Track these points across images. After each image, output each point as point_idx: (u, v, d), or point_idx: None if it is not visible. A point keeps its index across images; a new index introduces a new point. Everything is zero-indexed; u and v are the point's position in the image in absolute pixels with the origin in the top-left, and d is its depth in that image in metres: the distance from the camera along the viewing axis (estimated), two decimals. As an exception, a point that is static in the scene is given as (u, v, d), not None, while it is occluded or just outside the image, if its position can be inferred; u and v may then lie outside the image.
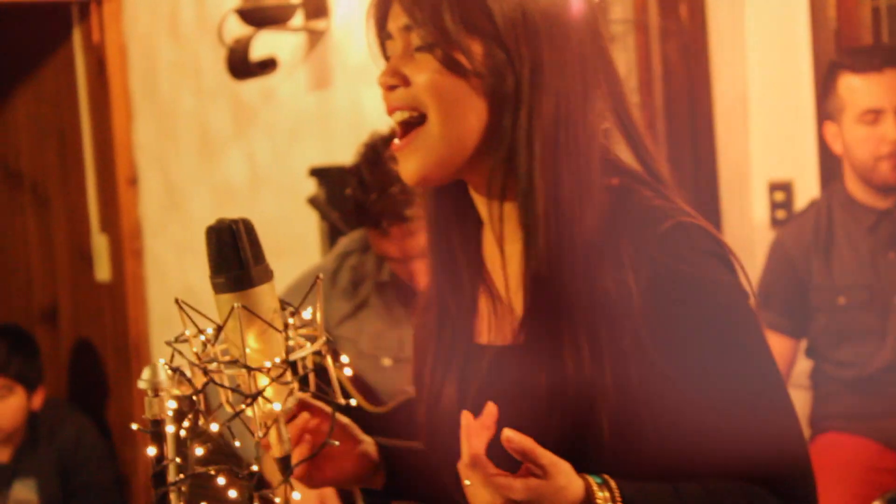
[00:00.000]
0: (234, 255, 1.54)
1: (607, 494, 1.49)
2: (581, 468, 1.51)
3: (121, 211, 4.74)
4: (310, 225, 4.11)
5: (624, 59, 4.14)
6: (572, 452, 1.52)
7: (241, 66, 4.04)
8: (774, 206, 3.81)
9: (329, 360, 1.60)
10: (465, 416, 1.49)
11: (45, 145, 5.17)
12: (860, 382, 3.35)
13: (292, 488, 1.58)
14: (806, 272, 3.38)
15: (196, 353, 1.55)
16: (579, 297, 1.56)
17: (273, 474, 1.62)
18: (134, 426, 1.56)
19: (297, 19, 4.08)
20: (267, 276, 1.56)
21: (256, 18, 4.01)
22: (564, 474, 1.48)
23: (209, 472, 1.55)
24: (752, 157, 3.81)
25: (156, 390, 1.55)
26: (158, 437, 1.54)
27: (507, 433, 1.48)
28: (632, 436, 1.55)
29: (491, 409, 1.50)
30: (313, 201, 3.32)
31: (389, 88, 1.63)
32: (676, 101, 4.00)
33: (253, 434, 1.57)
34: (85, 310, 5.06)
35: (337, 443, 1.73)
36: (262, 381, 1.54)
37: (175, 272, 4.64)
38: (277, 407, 1.56)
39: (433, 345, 1.73)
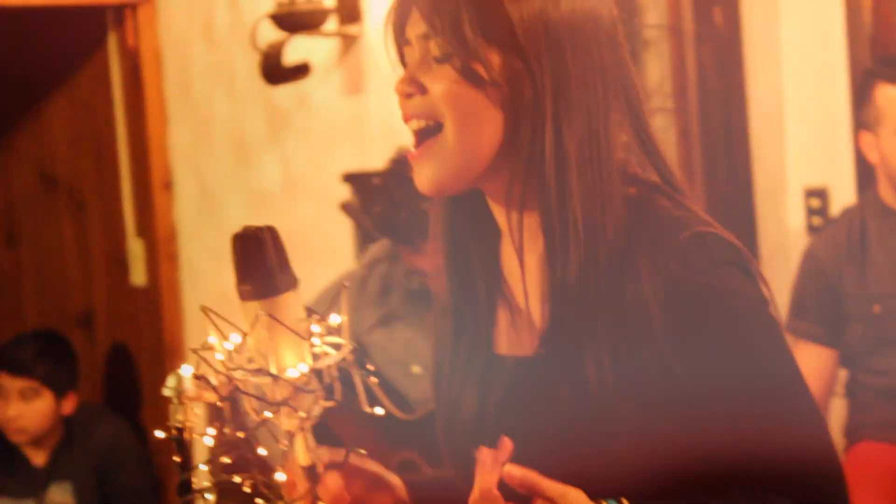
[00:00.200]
0: (260, 262, 1.54)
1: None
2: (600, 484, 1.50)
3: (156, 215, 4.76)
4: (344, 230, 4.11)
5: (658, 65, 4.13)
6: (591, 467, 1.52)
7: (275, 70, 4.05)
8: (810, 212, 3.79)
9: (355, 368, 1.59)
10: (481, 452, 1.48)
11: (81, 150, 5.20)
12: (896, 391, 3.33)
13: (318, 497, 1.58)
14: (839, 281, 3.35)
15: (221, 361, 1.55)
16: (601, 310, 1.55)
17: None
18: (159, 433, 1.56)
19: (331, 24, 4.09)
20: (292, 283, 1.55)
21: (290, 23, 4.02)
22: (571, 494, 1.45)
23: (234, 479, 1.55)
24: (788, 163, 3.79)
25: (180, 398, 1.55)
26: (183, 445, 1.54)
27: (508, 469, 1.46)
28: (653, 450, 1.53)
29: (507, 444, 1.47)
30: (346, 207, 3.32)
31: (406, 96, 1.62)
32: (711, 107, 3.99)
33: (278, 442, 1.56)
34: (120, 314, 5.08)
35: (364, 451, 1.73)
36: (288, 389, 1.54)
37: (210, 277, 4.65)
38: (303, 415, 1.56)
39: (449, 354, 1.73)
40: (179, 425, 1.55)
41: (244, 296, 1.54)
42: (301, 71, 4.11)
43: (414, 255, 2.78)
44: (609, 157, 1.58)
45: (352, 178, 3.86)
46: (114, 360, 5.15)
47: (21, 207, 5.54)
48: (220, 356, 1.55)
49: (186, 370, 1.55)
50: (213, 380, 1.54)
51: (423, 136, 1.62)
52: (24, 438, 4.37)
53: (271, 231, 1.56)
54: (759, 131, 3.86)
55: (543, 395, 1.59)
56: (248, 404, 1.55)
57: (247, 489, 1.55)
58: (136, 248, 4.90)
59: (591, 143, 1.57)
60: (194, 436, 1.54)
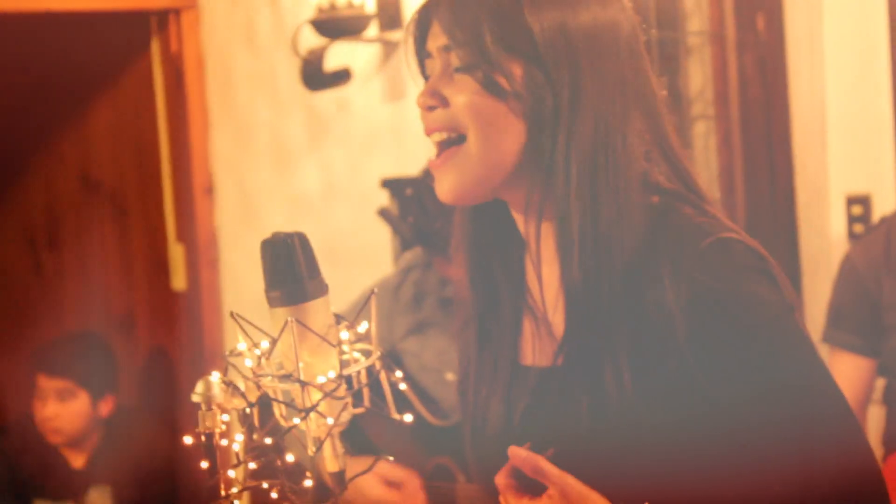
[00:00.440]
0: (289, 269, 1.54)
1: None
2: (623, 494, 1.49)
3: (197, 220, 4.76)
4: (382, 236, 4.12)
5: (700, 72, 4.12)
6: (615, 478, 1.51)
7: (316, 76, 4.05)
8: (852, 219, 3.77)
9: (383, 374, 1.59)
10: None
11: (123, 155, 5.22)
12: (935, 400, 3.30)
13: (346, 503, 1.58)
14: (877, 291, 3.32)
15: (250, 367, 1.56)
16: (620, 319, 1.55)
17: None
18: (187, 439, 1.56)
19: (372, 30, 4.09)
20: (322, 290, 1.56)
21: (331, 29, 4.03)
22: (574, 488, 1.49)
23: (262, 485, 1.55)
24: (830, 170, 3.77)
25: (209, 404, 1.55)
26: (211, 451, 1.55)
27: (512, 449, 1.49)
28: (678, 460, 1.53)
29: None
30: (383, 213, 3.33)
31: (428, 109, 1.62)
32: (753, 114, 3.97)
33: (306, 449, 1.57)
34: (161, 318, 5.10)
35: (391, 458, 1.73)
36: (316, 395, 1.54)
37: (250, 282, 4.66)
38: (331, 422, 1.56)
39: (474, 364, 1.72)
40: (208, 431, 1.55)
41: (273, 302, 1.55)
42: (342, 77, 4.11)
43: (448, 266, 2.78)
44: (627, 166, 1.58)
45: (390, 185, 3.86)
46: (153, 363, 5.17)
47: (63, 211, 5.58)
48: (249, 362, 1.56)
49: (215, 376, 1.56)
50: (242, 386, 1.55)
51: (445, 147, 1.62)
52: (60, 439, 4.39)
53: (301, 237, 1.57)
54: (801, 138, 3.85)
55: (565, 405, 1.58)
56: (276, 410, 1.56)
57: (274, 495, 1.55)
58: (176, 253, 4.92)
59: (608, 152, 1.57)
60: (222, 441, 1.54)
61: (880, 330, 3.33)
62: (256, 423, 1.55)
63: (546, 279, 1.63)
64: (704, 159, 4.10)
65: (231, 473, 1.55)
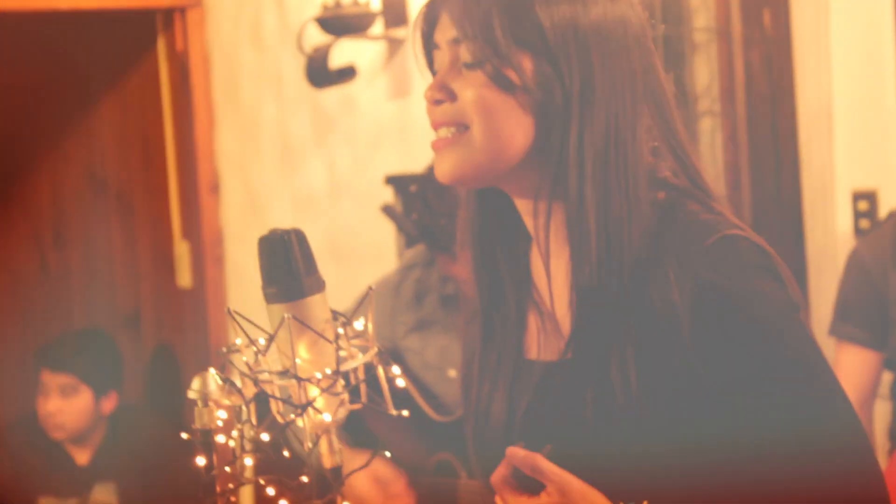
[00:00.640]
0: (286, 265, 1.54)
1: None
2: (628, 491, 1.49)
3: (202, 218, 4.77)
4: (388, 233, 4.11)
5: (706, 68, 4.11)
6: (618, 473, 1.51)
7: (321, 73, 4.05)
8: (858, 215, 3.76)
9: (381, 370, 1.59)
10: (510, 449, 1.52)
11: (129, 153, 5.23)
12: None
13: (343, 499, 1.58)
14: (883, 285, 3.31)
15: (247, 364, 1.55)
16: (626, 314, 1.54)
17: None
18: (184, 435, 1.56)
19: (377, 27, 4.08)
20: (319, 286, 1.55)
21: (336, 27, 4.02)
22: (573, 486, 1.50)
23: (259, 482, 1.55)
24: (836, 165, 3.76)
25: (206, 400, 1.55)
26: (208, 447, 1.54)
27: (511, 449, 1.48)
28: (682, 456, 1.52)
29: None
30: (387, 210, 3.32)
31: (435, 103, 1.61)
32: (759, 110, 3.97)
33: (303, 445, 1.56)
34: (166, 316, 5.11)
35: (388, 453, 1.73)
36: (313, 391, 1.54)
37: (255, 279, 4.63)
38: (328, 418, 1.55)
39: (478, 359, 1.72)
40: (204, 427, 1.55)
41: (270, 299, 1.55)
42: (347, 74, 4.11)
43: (451, 263, 2.77)
44: (636, 162, 1.57)
45: (394, 181, 3.86)
46: (159, 360, 5.18)
47: (70, 209, 5.59)
48: (245, 359, 1.55)
49: (212, 372, 1.55)
50: (239, 382, 1.54)
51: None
52: (63, 435, 4.40)
53: (298, 234, 1.56)
54: (807, 134, 3.84)
55: (570, 400, 1.58)
56: (273, 407, 1.55)
57: (272, 491, 1.55)
58: (182, 251, 4.92)
59: (617, 148, 1.56)
60: (219, 438, 1.54)
61: (887, 324, 3.33)
62: (254, 419, 1.55)
63: (553, 274, 1.62)
64: (710, 155, 4.09)
65: (228, 469, 1.54)
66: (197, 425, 1.55)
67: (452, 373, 2.89)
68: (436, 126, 1.63)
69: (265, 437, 1.53)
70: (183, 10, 4.75)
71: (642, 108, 1.59)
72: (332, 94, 4.32)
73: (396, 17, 4.07)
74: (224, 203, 4.83)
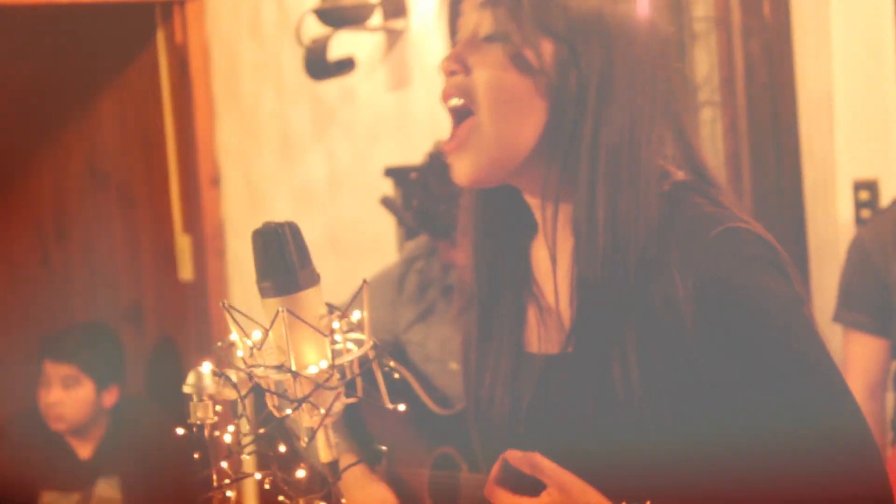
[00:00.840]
0: (280, 259, 1.53)
1: None
2: (630, 488, 1.49)
3: (203, 211, 4.77)
4: (388, 225, 4.11)
5: (706, 58, 4.10)
6: (620, 469, 1.51)
7: (319, 65, 4.04)
8: (859, 205, 3.75)
9: (376, 364, 1.58)
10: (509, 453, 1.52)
11: (129, 146, 5.23)
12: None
13: (340, 494, 1.57)
14: (885, 271, 3.31)
15: (242, 358, 1.55)
16: (630, 308, 1.53)
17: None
18: (179, 430, 1.56)
19: (376, 19, 4.08)
20: (313, 280, 1.55)
21: (334, 18, 4.01)
22: (573, 485, 1.49)
23: (255, 476, 1.54)
24: (837, 155, 3.75)
25: (200, 395, 1.54)
26: (203, 442, 1.54)
27: (509, 452, 1.49)
28: (683, 452, 1.51)
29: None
30: (386, 202, 3.31)
31: (450, 73, 1.59)
32: (759, 100, 3.95)
33: (298, 439, 1.56)
34: (168, 309, 5.10)
35: (385, 448, 1.72)
36: (308, 386, 1.53)
37: (256, 272, 4.65)
38: (324, 412, 1.55)
39: (476, 351, 1.71)
40: (199, 422, 1.54)
41: (265, 293, 1.54)
42: (346, 66, 4.10)
43: (452, 250, 2.76)
44: (649, 157, 1.56)
45: (393, 173, 3.85)
46: (161, 353, 5.18)
47: (71, 203, 5.59)
48: (241, 353, 1.55)
49: (206, 367, 1.55)
50: (234, 377, 1.54)
51: (459, 115, 1.60)
52: (64, 427, 4.40)
53: (292, 227, 1.55)
54: (807, 124, 3.83)
55: (572, 393, 1.57)
56: (268, 401, 1.55)
57: (267, 486, 1.54)
58: (183, 244, 4.92)
59: (632, 140, 1.55)
60: (214, 432, 1.54)
61: (891, 310, 3.32)
62: (250, 413, 1.54)
63: (559, 266, 1.61)
64: (711, 146, 4.08)
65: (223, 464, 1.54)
66: (192, 420, 1.54)
67: (454, 365, 2.88)
68: (445, 97, 1.60)
69: (261, 431, 1.52)
70: (182, 3, 4.75)
71: (659, 101, 1.58)
72: (331, 86, 4.31)
73: (395, 9, 4.06)
74: (225, 196, 4.82)
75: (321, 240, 4.41)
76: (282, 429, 1.55)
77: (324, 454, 1.59)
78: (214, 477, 1.54)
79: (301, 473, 1.54)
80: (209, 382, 1.54)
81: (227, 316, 1.54)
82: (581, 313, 1.57)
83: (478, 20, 1.59)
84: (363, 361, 1.56)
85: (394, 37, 4.13)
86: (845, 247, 3.51)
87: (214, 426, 1.55)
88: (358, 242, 4.32)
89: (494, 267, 1.70)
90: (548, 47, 1.55)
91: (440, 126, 3.38)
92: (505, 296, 1.69)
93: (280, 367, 1.52)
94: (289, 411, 1.52)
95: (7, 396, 5.44)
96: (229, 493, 1.54)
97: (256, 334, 1.54)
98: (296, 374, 1.51)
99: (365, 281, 1.58)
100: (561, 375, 1.60)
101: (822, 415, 1.50)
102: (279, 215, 4.72)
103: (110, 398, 4.45)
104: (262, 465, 1.56)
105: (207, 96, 4.80)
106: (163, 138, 4.96)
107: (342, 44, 4.11)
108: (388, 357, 1.58)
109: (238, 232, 4.79)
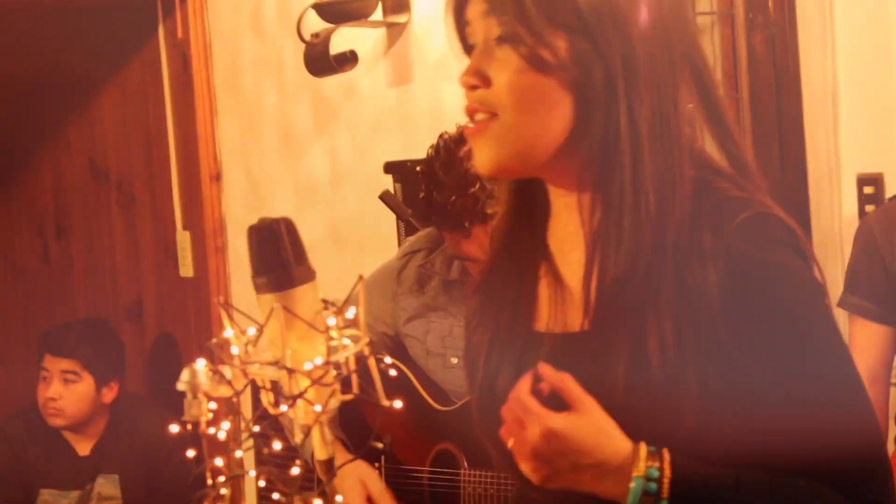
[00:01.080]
0: (276, 255, 1.53)
1: (657, 464, 1.49)
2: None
3: (204, 207, 4.76)
4: (390, 220, 4.09)
5: (709, 52, 4.09)
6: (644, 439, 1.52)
7: (321, 61, 4.02)
8: (864, 199, 3.74)
9: (371, 361, 1.57)
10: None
11: (131, 142, 5.22)
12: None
13: (335, 490, 1.56)
14: (891, 259, 3.30)
15: (237, 355, 1.53)
16: (664, 289, 1.53)
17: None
18: (174, 427, 1.54)
19: (377, 14, 4.06)
20: (309, 276, 1.54)
21: (336, 14, 4.00)
22: (595, 412, 1.51)
23: (250, 474, 1.53)
24: (842, 149, 3.75)
25: (195, 392, 1.53)
26: (197, 439, 1.52)
27: (541, 364, 1.52)
28: (707, 431, 1.51)
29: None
30: (385, 197, 3.29)
31: (471, 88, 1.58)
32: (763, 94, 3.94)
33: (294, 436, 1.55)
34: (169, 306, 5.10)
35: (381, 444, 1.71)
36: (304, 382, 1.52)
37: (258, 268, 4.64)
38: (319, 409, 1.53)
39: (489, 331, 1.71)
40: (193, 419, 1.53)
41: (260, 288, 1.54)
42: (347, 61, 4.08)
43: (463, 242, 2.72)
44: (679, 134, 1.56)
45: (393, 168, 3.83)
46: (161, 350, 5.17)
47: (71, 199, 5.58)
48: (235, 349, 1.54)
49: (201, 364, 1.53)
50: (228, 373, 1.52)
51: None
52: (62, 422, 4.40)
53: (287, 223, 1.55)
54: (812, 118, 3.82)
55: (595, 370, 1.56)
56: (263, 398, 1.54)
57: (262, 483, 1.53)
58: (184, 240, 4.91)
59: (661, 121, 1.55)
60: (209, 430, 1.52)
61: (895, 298, 3.31)
62: (245, 411, 1.53)
63: (572, 248, 1.63)
64: (714, 140, 4.07)
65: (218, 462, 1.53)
66: (186, 417, 1.53)
67: (454, 360, 2.86)
68: (470, 112, 1.60)
69: (257, 428, 1.51)
70: (183, -1, 4.74)
71: (681, 77, 1.57)
72: (332, 82, 4.30)
73: (396, 4, 4.05)
74: (226, 192, 4.81)
75: (323, 235, 4.40)
76: (277, 426, 1.54)
77: (319, 451, 1.57)
78: (209, 474, 1.52)
79: (296, 471, 1.53)
80: (203, 379, 1.53)
81: (223, 312, 1.53)
82: (612, 293, 1.56)
83: (486, 27, 1.58)
84: (359, 358, 1.55)
85: (395, 32, 4.11)
86: (850, 241, 3.50)
87: (209, 423, 1.53)
88: (360, 237, 4.31)
89: (516, 249, 1.70)
90: (561, 41, 1.53)
91: (442, 121, 3.37)
92: (521, 274, 1.69)
93: (275, 364, 1.51)
94: (283, 408, 1.51)
95: (7, 393, 5.44)
96: (224, 491, 1.53)
97: (252, 331, 1.53)
98: (291, 371, 1.50)
99: (361, 277, 1.57)
100: (575, 354, 1.60)
101: (829, 396, 1.52)
102: (280, 211, 4.70)
103: (110, 394, 4.44)
104: (257, 463, 1.55)
105: (208, 92, 4.78)
106: (164, 134, 4.95)
107: (343, 39, 4.09)
108: (383, 353, 1.56)
109: (239, 228, 4.78)
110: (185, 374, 1.53)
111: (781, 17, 3.87)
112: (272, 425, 1.55)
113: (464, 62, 1.63)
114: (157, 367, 5.21)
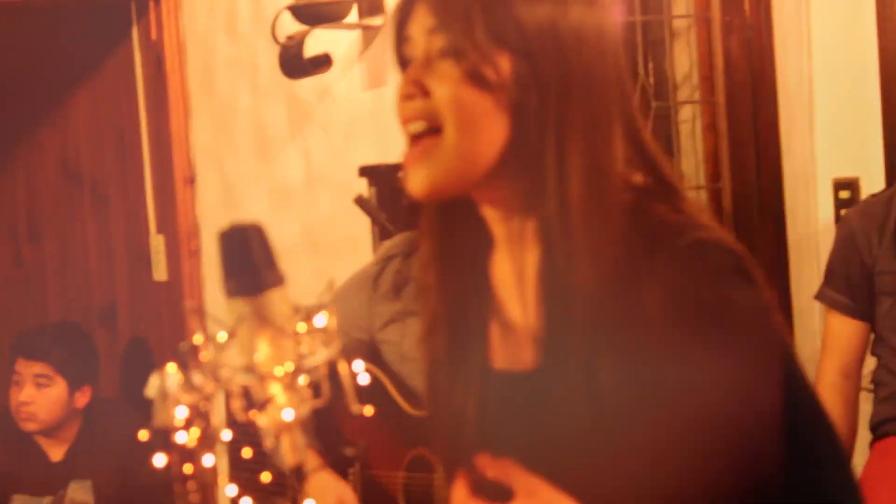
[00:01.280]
0: (245, 259, 1.52)
1: None
2: (599, 498, 1.47)
3: (178, 211, 4.74)
4: (364, 225, 4.08)
5: (686, 56, 4.10)
6: (592, 482, 1.49)
7: (295, 63, 4.01)
8: (839, 204, 3.76)
9: (343, 366, 1.55)
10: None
11: (104, 144, 5.20)
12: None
13: (305, 496, 1.54)
14: (869, 256, 3.32)
15: (206, 360, 1.52)
16: (598, 319, 1.50)
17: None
18: (143, 434, 1.52)
19: (352, 16, 4.06)
20: (278, 281, 1.52)
21: (310, 16, 3.99)
22: (544, 493, 1.48)
23: (218, 481, 1.51)
24: (817, 153, 3.76)
25: (164, 398, 1.51)
26: (167, 446, 1.51)
27: (480, 458, 1.49)
28: (652, 466, 1.48)
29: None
30: (360, 202, 3.28)
31: (406, 97, 1.56)
32: (739, 98, 3.96)
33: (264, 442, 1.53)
34: (142, 309, 5.08)
35: (353, 451, 1.69)
36: (274, 387, 1.50)
37: (232, 272, 4.62)
38: (289, 415, 1.52)
39: (446, 370, 1.67)
40: (163, 425, 1.51)
41: (229, 293, 1.51)
42: (322, 63, 4.07)
43: None
44: (611, 164, 1.54)
45: (368, 172, 3.82)
46: (134, 354, 5.15)
47: (44, 202, 5.56)
48: (206, 355, 1.52)
49: (170, 369, 1.52)
50: (198, 379, 1.51)
51: (418, 138, 1.56)
52: (34, 427, 4.38)
53: (257, 228, 1.53)
54: (788, 122, 3.83)
55: (539, 409, 1.55)
56: (233, 404, 1.52)
57: (233, 490, 1.51)
58: (157, 244, 4.89)
59: (594, 150, 1.53)
60: (179, 435, 1.51)
61: (871, 294, 3.32)
62: (215, 416, 1.51)
63: (520, 281, 1.59)
64: (691, 144, 4.08)
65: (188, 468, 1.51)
66: (156, 423, 1.51)
67: None
68: (405, 121, 1.57)
69: (227, 434, 1.49)
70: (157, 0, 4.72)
71: (616, 107, 1.56)
72: (307, 84, 4.29)
73: (371, 6, 4.05)
74: (200, 195, 4.79)
75: (297, 239, 4.39)
76: (249, 432, 1.52)
77: (289, 457, 1.56)
78: (179, 480, 1.51)
79: (267, 477, 1.51)
80: (173, 385, 1.51)
81: (192, 317, 1.52)
82: (553, 327, 1.55)
83: (427, 42, 1.56)
84: (331, 363, 1.53)
85: (370, 34, 4.11)
86: (825, 246, 3.52)
87: (179, 429, 1.51)
88: (334, 241, 4.30)
89: (458, 285, 1.66)
90: (504, 61, 1.52)
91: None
92: (469, 313, 1.66)
93: (245, 369, 1.50)
94: (253, 414, 1.49)
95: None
96: (193, 497, 1.51)
97: (223, 336, 1.52)
98: (261, 376, 1.49)
99: (331, 280, 1.55)
100: (528, 392, 1.58)
101: (784, 420, 1.50)
102: (255, 214, 4.71)
103: (83, 398, 4.42)
104: (228, 469, 1.53)
105: (182, 94, 4.76)
106: (137, 136, 4.93)
107: (318, 41, 4.08)
108: (355, 359, 1.55)
109: (213, 232, 4.70)
110: (154, 380, 1.52)
111: (758, 20, 3.88)
112: (246, 431, 1.54)
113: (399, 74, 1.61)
114: (130, 371, 5.19)
